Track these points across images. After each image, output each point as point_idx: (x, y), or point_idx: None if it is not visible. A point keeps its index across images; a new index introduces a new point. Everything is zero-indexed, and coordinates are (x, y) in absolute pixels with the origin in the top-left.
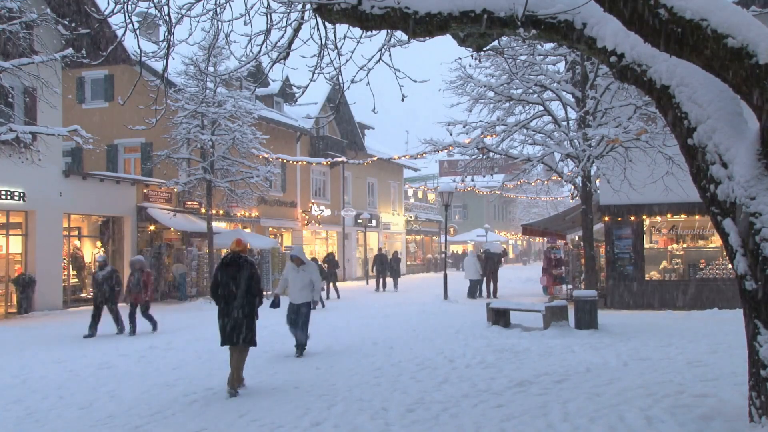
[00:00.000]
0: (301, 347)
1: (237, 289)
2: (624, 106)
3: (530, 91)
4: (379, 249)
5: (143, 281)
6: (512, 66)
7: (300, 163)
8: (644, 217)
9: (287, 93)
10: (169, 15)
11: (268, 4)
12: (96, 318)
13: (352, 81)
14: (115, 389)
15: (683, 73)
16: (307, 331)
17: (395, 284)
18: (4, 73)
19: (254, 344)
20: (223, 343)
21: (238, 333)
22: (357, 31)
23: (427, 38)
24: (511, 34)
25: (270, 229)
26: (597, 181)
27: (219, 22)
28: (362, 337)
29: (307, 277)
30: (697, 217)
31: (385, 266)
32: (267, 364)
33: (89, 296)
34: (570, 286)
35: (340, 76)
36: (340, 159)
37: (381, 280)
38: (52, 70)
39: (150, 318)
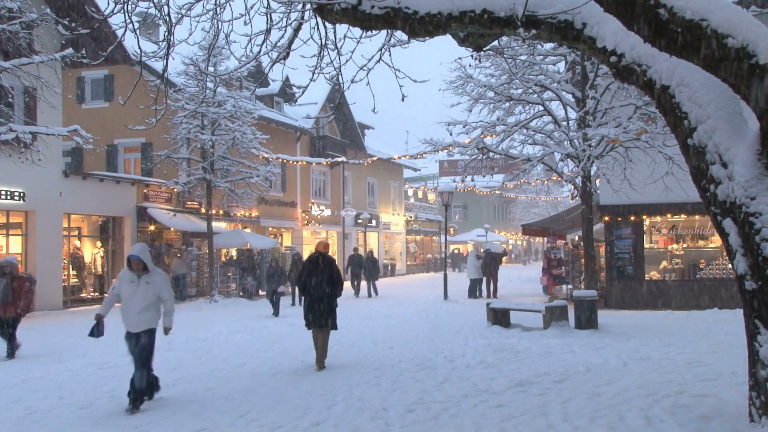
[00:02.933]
0: (138, 396)
1: (323, 283)
2: (624, 106)
3: (530, 91)
4: (354, 249)
5: (13, 289)
6: (512, 66)
7: (300, 163)
8: (644, 217)
9: (287, 93)
10: (169, 15)
11: (268, 4)
12: None
13: (352, 81)
14: (115, 389)
15: (683, 73)
16: (151, 371)
17: (374, 289)
18: (4, 73)
19: (336, 328)
20: (309, 327)
21: (325, 318)
22: (357, 31)
23: (427, 38)
24: (511, 34)
25: (270, 229)
26: (597, 181)
27: (219, 22)
28: (362, 337)
29: (152, 292)
30: (697, 217)
31: (361, 268)
32: (267, 363)
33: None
34: (570, 286)
35: (340, 76)
36: (340, 159)
37: (357, 283)
38: (52, 70)
39: (12, 338)
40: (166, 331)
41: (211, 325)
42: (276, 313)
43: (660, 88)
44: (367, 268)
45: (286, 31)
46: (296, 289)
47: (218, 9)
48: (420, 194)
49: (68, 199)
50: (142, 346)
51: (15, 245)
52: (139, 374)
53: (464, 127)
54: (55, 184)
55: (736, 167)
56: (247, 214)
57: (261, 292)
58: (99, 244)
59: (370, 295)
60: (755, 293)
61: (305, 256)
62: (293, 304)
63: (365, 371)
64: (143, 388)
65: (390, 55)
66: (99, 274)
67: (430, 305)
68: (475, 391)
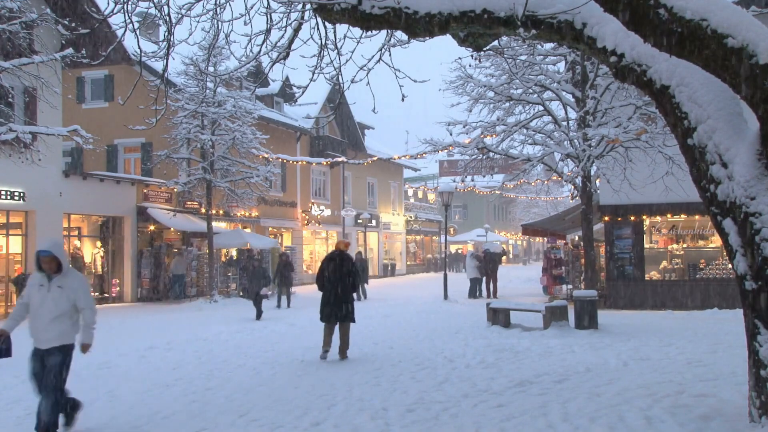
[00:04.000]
0: (46, 429)
1: (342, 278)
2: (624, 106)
3: (530, 91)
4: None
5: None
6: (512, 66)
7: (300, 163)
8: (644, 217)
9: (287, 93)
10: (169, 15)
11: (268, 4)
12: None
13: (352, 81)
14: (115, 389)
15: (683, 73)
16: (60, 397)
17: (362, 292)
18: (4, 73)
19: (354, 321)
20: (324, 320)
21: (343, 312)
22: (357, 31)
23: (427, 38)
24: (511, 34)
25: (270, 229)
26: (597, 181)
27: (219, 22)
28: (362, 337)
29: (66, 299)
30: (697, 217)
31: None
32: (267, 363)
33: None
34: (570, 286)
35: (340, 76)
36: (340, 159)
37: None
38: (52, 70)
39: None
40: (84, 348)
41: (211, 325)
42: (258, 316)
43: (660, 88)
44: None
45: (286, 31)
46: (282, 291)
47: (218, 9)
48: (420, 194)
49: (68, 199)
50: (51, 366)
51: (15, 245)
52: (48, 404)
53: (464, 127)
54: (55, 184)
55: (736, 167)
56: (247, 214)
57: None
58: (99, 244)
59: (363, 298)
60: (755, 293)
61: (307, 257)
62: (279, 306)
63: (365, 371)
64: (52, 421)
65: (390, 55)
66: (99, 274)
67: (430, 305)
68: (475, 391)
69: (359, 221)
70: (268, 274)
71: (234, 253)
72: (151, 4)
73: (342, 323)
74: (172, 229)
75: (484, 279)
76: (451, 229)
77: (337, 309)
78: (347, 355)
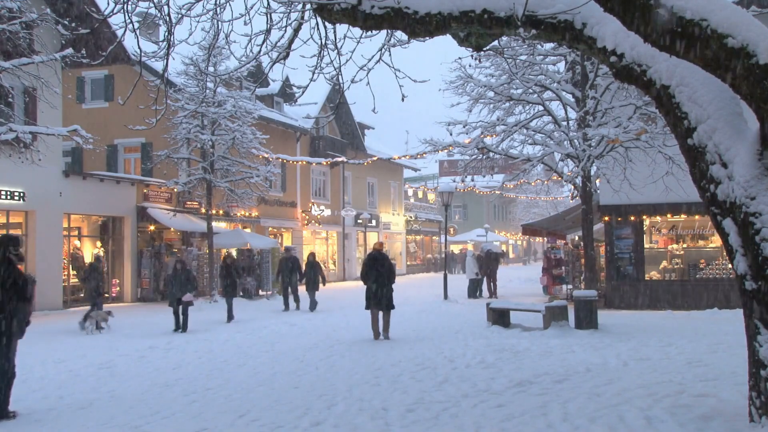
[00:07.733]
0: None
1: (382, 274)
2: (624, 106)
3: (530, 91)
4: (287, 249)
5: None
6: (512, 66)
7: (300, 163)
8: (644, 217)
9: (287, 93)
10: (169, 15)
11: (268, 4)
12: None
13: (352, 81)
14: (115, 389)
15: (683, 73)
16: None
17: (311, 301)
18: (4, 73)
19: (393, 308)
20: (369, 308)
21: (384, 301)
22: (357, 31)
23: (427, 38)
24: (511, 34)
25: (270, 229)
26: (597, 181)
27: (219, 22)
28: (362, 336)
29: None
30: (697, 217)
31: (295, 275)
32: (267, 363)
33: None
34: (570, 286)
35: (340, 76)
36: (340, 159)
37: (291, 294)
38: (52, 70)
39: None
40: None
41: (211, 325)
42: (181, 327)
43: (660, 88)
44: (307, 274)
45: (286, 31)
46: (232, 301)
47: (218, 9)
48: (420, 194)
49: (68, 199)
50: None
51: None
52: None
53: (464, 127)
54: (55, 184)
55: (736, 167)
56: (247, 214)
57: (261, 292)
58: (99, 244)
59: (312, 309)
60: (755, 293)
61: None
62: (229, 319)
63: (365, 371)
64: None
65: (390, 55)
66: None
67: (430, 305)
68: (475, 391)
69: (359, 221)
70: (193, 277)
71: (234, 253)
72: (151, 4)
73: (385, 311)
74: (172, 229)
75: (484, 279)
76: (451, 229)
77: (380, 299)
78: (389, 335)
